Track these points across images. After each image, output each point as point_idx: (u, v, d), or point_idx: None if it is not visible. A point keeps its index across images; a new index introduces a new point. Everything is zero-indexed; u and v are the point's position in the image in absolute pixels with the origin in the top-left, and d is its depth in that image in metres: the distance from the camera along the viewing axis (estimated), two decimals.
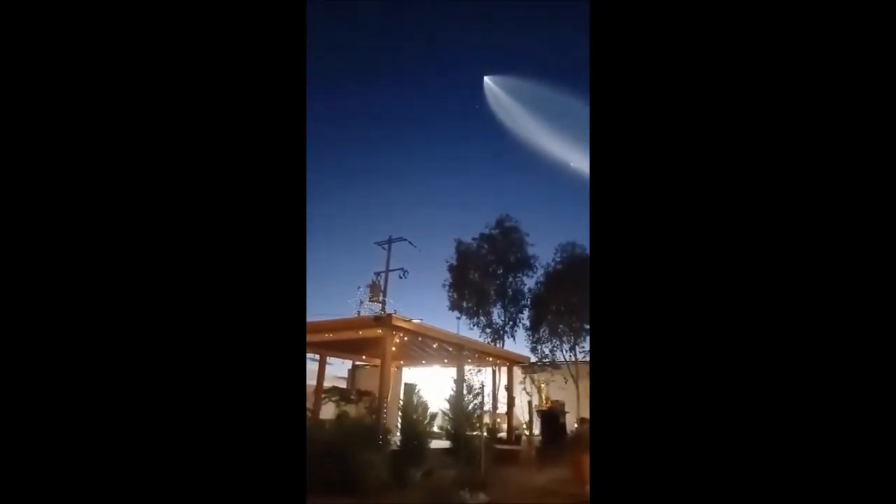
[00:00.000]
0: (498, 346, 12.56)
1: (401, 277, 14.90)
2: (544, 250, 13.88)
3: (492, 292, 13.55)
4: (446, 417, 7.33)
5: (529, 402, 9.88)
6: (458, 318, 13.40)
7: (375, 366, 9.51)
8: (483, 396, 7.42)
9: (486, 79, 24.57)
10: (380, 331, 6.87)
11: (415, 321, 7.30)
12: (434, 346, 8.73)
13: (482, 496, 4.80)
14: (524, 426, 9.64)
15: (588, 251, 13.02)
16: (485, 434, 7.19)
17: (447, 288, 13.76)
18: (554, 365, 12.25)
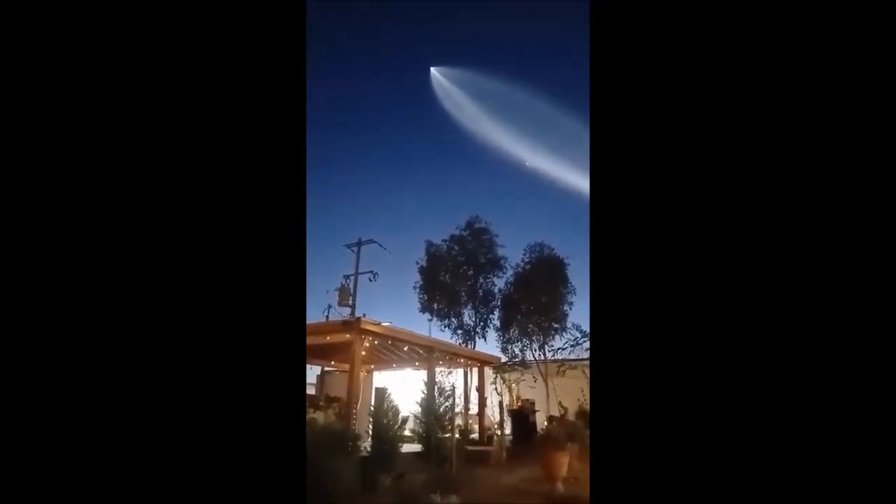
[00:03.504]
0: (469, 346, 12.60)
1: (371, 280, 14.77)
2: (509, 251, 14.03)
3: (462, 293, 13.60)
4: (418, 421, 7.28)
5: (500, 402, 9.94)
6: (430, 321, 13.38)
7: (345, 371, 9.36)
8: (454, 398, 7.41)
9: (433, 70, 24.21)
10: (348, 335, 6.76)
11: (384, 324, 7.23)
12: (405, 348, 8.67)
13: (453, 498, 4.78)
14: (495, 426, 9.69)
15: (555, 252, 13.26)
16: (456, 436, 7.18)
17: (418, 290, 13.72)
18: (524, 364, 12.38)
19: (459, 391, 9.67)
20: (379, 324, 7.07)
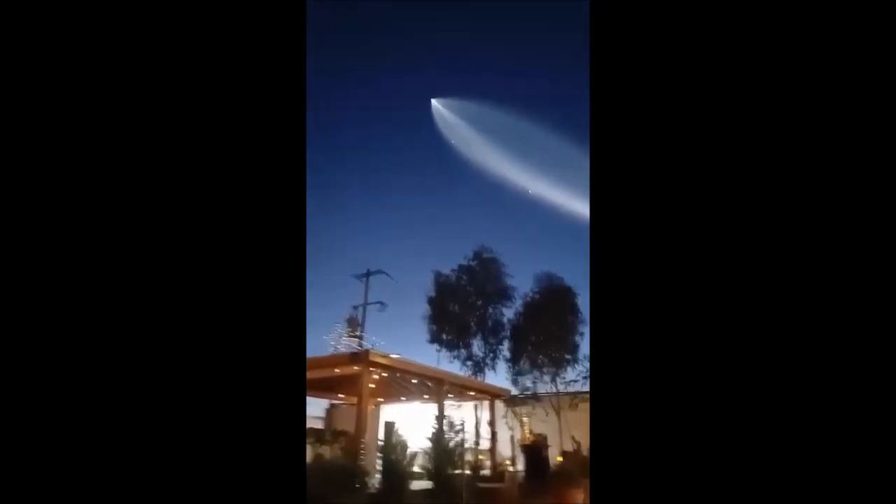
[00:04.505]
0: (479, 379, 12.39)
1: (379, 311, 14.74)
2: (517, 280, 14.01)
3: (471, 324, 13.48)
4: (427, 456, 7.10)
5: (511, 437, 9.68)
6: (439, 351, 13.24)
7: (353, 404, 9.22)
8: (464, 433, 7.23)
9: (434, 101, 24.66)
10: (356, 368, 6.69)
11: (393, 356, 7.16)
12: (413, 381, 8.54)
13: None
14: (507, 462, 9.40)
15: (564, 281, 13.20)
16: (467, 472, 6.97)
17: (426, 320, 13.64)
18: (535, 397, 12.11)
19: (470, 425, 9.45)
20: (387, 356, 7.01)
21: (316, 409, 11.38)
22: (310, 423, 9.87)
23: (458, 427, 7.17)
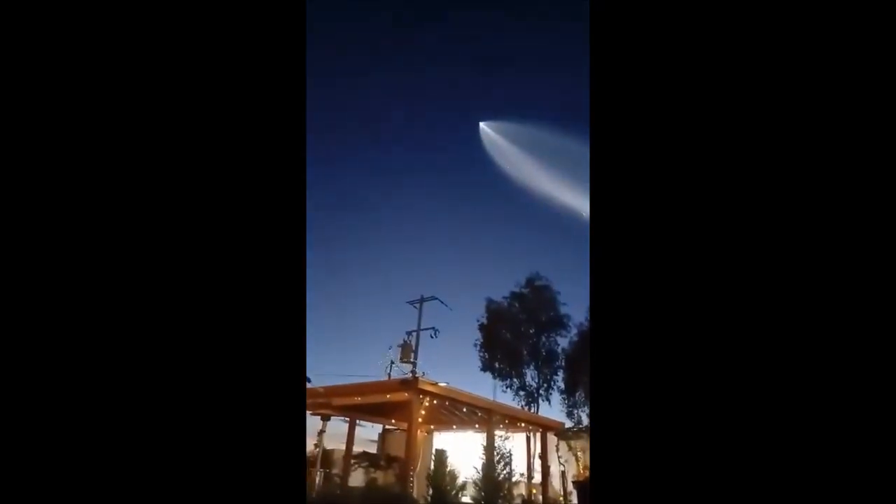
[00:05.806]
0: (532, 409, 12.16)
1: (432, 337, 14.92)
2: (571, 308, 13.65)
3: (524, 353, 13.33)
4: (477, 487, 7.07)
5: (562, 472, 9.38)
6: (494, 379, 13.15)
7: (405, 430, 9.39)
8: (510, 465, 7.15)
9: (482, 124, 24.32)
10: (407, 394, 6.89)
11: (441, 384, 7.29)
12: (464, 409, 8.59)
13: None
14: (561, 497, 9.10)
15: None
16: None
17: (478, 348, 13.65)
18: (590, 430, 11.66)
19: (522, 457, 9.28)
20: (436, 384, 7.15)
21: (370, 432, 11.66)
22: (363, 447, 10.14)
23: (508, 459, 7.11)
